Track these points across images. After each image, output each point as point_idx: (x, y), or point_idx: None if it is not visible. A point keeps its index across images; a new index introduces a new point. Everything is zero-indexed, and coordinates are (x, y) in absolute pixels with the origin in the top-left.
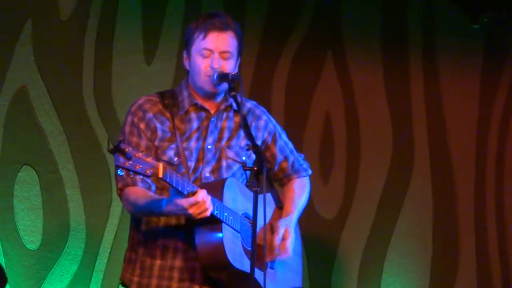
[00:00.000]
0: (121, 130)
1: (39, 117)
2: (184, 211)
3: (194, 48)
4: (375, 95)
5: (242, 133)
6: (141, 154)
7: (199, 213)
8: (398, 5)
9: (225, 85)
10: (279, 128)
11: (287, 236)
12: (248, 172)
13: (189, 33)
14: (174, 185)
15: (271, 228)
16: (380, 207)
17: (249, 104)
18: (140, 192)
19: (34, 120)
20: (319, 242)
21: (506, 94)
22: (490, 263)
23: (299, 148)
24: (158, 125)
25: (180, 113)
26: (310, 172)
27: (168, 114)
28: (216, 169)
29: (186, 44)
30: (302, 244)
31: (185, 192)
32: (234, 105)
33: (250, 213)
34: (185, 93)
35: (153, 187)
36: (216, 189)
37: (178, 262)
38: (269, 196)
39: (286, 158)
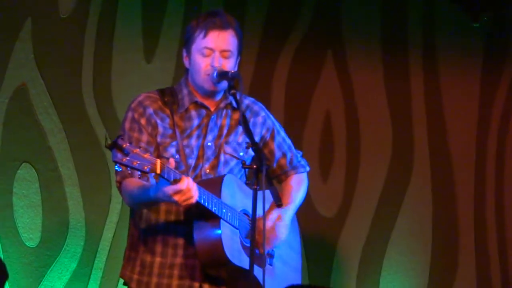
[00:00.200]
0: (121, 126)
1: (38, 115)
2: (169, 198)
3: (195, 47)
4: (375, 94)
5: (240, 129)
6: (138, 150)
7: (184, 200)
8: (398, 4)
9: (224, 83)
10: (277, 124)
11: (279, 221)
12: (247, 170)
13: (189, 31)
14: (171, 180)
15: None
16: (379, 206)
17: (247, 100)
18: (135, 183)
19: (33, 118)
20: (319, 240)
21: (506, 93)
22: (490, 261)
23: (298, 146)
24: (158, 121)
25: (180, 111)
26: (308, 168)
27: (168, 111)
28: (215, 165)
29: (186, 42)
30: (302, 242)
31: (171, 180)
32: (234, 103)
33: (249, 209)
34: (185, 91)
35: (152, 181)
36: (214, 185)
37: (178, 260)
38: (268, 193)
39: (284, 155)
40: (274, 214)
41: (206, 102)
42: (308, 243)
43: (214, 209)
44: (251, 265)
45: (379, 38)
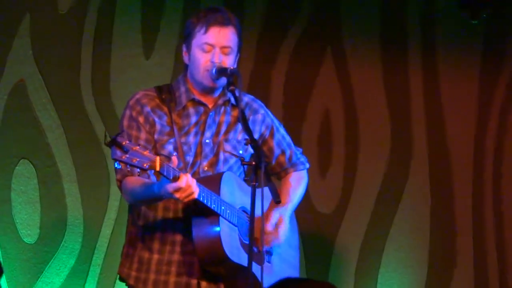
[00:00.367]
0: (119, 124)
1: (37, 111)
2: (171, 195)
3: (195, 42)
4: (374, 91)
5: (239, 127)
6: (138, 147)
7: (186, 197)
8: (397, 2)
9: (223, 80)
10: (276, 121)
11: (280, 223)
12: (245, 167)
13: (189, 27)
14: (170, 177)
15: (266, 217)
16: (378, 202)
17: (247, 98)
18: (136, 181)
19: (32, 114)
20: (317, 237)
21: (505, 91)
22: (487, 258)
23: (297, 142)
24: (156, 119)
25: (178, 108)
26: (307, 165)
27: (165, 109)
28: (214, 163)
29: (186, 37)
30: (300, 238)
31: (170, 177)
32: (232, 99)
33: (248, 207)
34: (183, 88)
35: (153, 179)
36: (213, 183)
37: (176, 257)
38: (266, 190)
39: (283, 152)
40: (275, 216)
41: (204, 99)
42: (306, 240)
43: (213, 206)
44: (250, 263)
45: (379, 36)
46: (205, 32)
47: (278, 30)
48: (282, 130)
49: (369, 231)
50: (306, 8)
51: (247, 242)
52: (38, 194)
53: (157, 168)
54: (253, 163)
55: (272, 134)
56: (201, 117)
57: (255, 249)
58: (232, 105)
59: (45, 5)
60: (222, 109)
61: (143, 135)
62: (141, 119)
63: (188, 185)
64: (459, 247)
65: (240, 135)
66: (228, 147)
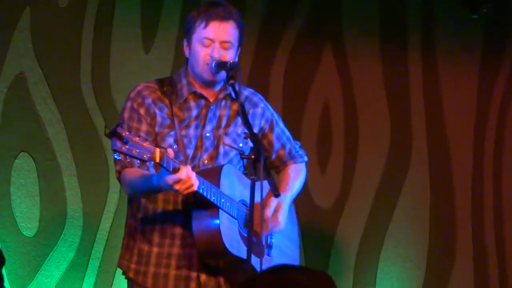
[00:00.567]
0: (119, 116)
1: (36, 105)
2: (170, 187)
3: (195, 37)
4: (374, 85)
5: (239, 120)
6: (137, 138)
7: (185, 189)
8: None
9: (223, 74)
10: (276, 115)
11: (279, 209)
12: (245, 160)
13: (190, 21)
14: (170, 169)
15: (265, 205)
16: (377, 196)
17: (246, 91)
18: (135, 172)
19: (31, 108)
20: (316, 231)
21: (504, 85)
22: (487, 252)
23: (297, 136)
24: (157, 111)
25: (179, 101)
26: (306, 158)
27: (166, 101)
28: (214, 156)
29: (187, 32)
30: (299, 232)
31: (170, 169)
32: (233, 93)
33: (247, 200)
34: (184, 81)
35: (153, 171)
36: (213, 175)
37: (175, 250)
38: (265, 183)
39: (283, 146)
40: (273, 203)
41: (205, 93)
42: (305, 234)
43: (212, 198)
44: (249, 255)
45: (378, 30)
46: (205, 26)
47: (278, 24)
48: (281, 124)
49: (369, 226)
50: (306, 2)
51: (246, 235)
52: (38, 187)
53: (157, 160)
54: (253, 156)
55: (271, 128)
56: (202, 110)
57: (255, 238)
58: (233, 99)
59: None
60: (223, 102)
61: (144, 127)
62: (142, 111)
63: (188, 177)
64: (459, 242)
65: (240, 129)
66: (228, 140)
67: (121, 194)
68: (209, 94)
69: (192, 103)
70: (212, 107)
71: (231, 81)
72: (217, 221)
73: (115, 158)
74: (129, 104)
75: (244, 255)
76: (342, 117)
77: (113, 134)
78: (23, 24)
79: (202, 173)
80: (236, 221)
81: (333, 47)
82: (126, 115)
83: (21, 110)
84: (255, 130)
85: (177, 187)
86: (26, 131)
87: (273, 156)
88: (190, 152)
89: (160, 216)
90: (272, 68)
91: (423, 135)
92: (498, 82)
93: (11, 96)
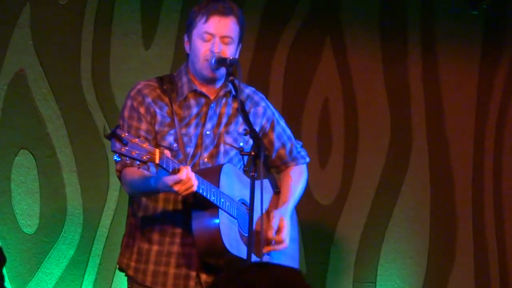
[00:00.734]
0: (120, 114)
1: (36, 101)
2: (170, 188)
3: (196, 32)
4: (374, 82)
5: (240, 119)
6: (137, 140)
7: (185, 190)
8: None
9: (223, 70)
10: (277, 114)
11: (282, 226)
12: (245, 158)
13: (191, 16)
14: (170, 170)
15: (268, 216)
16: (377, 194)
17: (248, 90)
18: (136, 172)
19: (32, 104)
20: (316, 228)
21: (504, 81)
22: (488, 249)
23: (297, 133)
24: (157, 109)
25: (179, 99)
26: (307, 159)
27: (166, 99)
28: (214, 155)
29: (187, 27)
30: (299, 229)
31: (170, 170)
32: (233, 90)
33: (247, 199)
34: (185, 79)
35: (153, 171)
36: (213, 175)
37: (175, 248)
38: (266, 182)
39: (283, 145)
40: (276, 220)
41: (206, 90)
42: (305, 231)
43: (212, 198)
44: (249, 255)
45: (378, 25)
46: (206, 21)
47: (278, 20)
48: (282, 123)
49: (369, 222)
50: (306, 1)
51: (246, 235)
52: (38, 184)
53: (156, 161)
54: (252, 153)
55: (272, 127)
56: (202, 108)
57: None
58: (233, 96)
59: None
60: (224, 100)
61: (144, 126)
62: (142, 110)
63: (188, 177)
64: (459, 238)
65: (241, 128)
66: (229, 139)
67: (121, 191)
68: (209, 91)
69: (192, 101)
70: (212, 105)
71: (231, 78)
72: (217, 221)
73: (115, 159)
74: (129, 102)
75: (243, 254)
76: (342, 115)
77: (113, 136)
78: (23, 21)
79: (201, 172)
80: (236, 220)
81: (333, 44)
82: (126, 113)
83: (21, 107)
84: (256, 129)
85: (176, 188)
86: (26, 128)
87: (274, 156)
88: (190, 150)
89: (160, 215)
90: (272, 65)
91: (423, 133)
92: (498, 79)
93: (11, 93)
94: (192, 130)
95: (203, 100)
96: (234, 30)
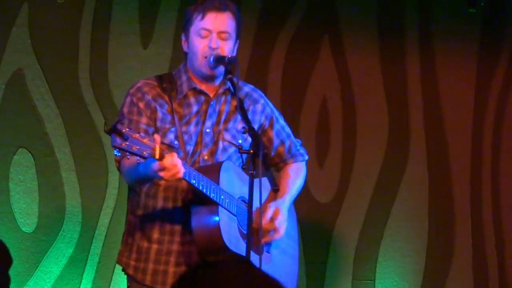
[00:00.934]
0: (119, 112)
1: (35, 101)
2: (156, 174)
3: (193, 29)
4: (372, 79)
5: (239, 116)
6: (138, 135)
7: (171, 176)
8: None
9: (222, 68)
10: (276, 112)
11: (276, 216)
12: (244, 156)
13: (187, 15)
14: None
15: (263, 212)
16: (376, 191)
17: (247, 88)
18: (131, 160)
19: (30, 103)
20: (315, 226)
21: (502, 79)
22: (486, 247)
23: (295, 132)
24: (157, 106)
25: (179, 97)
26: (307, 157)
27: (166, 98)
28: (213, 152)
29: (184, 26)
30: (298, 228)
31: (157, 157)
32: (232, 88)
33: (247, 197)
34: (184, 77)
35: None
36: (212, 172)
37: (175, 247)
38: (265, 180)
39: (282, 143)
40: (271, 209)
41: (205, 88)
42: (304, 229)
43: (212, 195)
44: (248, 252)
45: (376, 23)
46: (202, 18)
47: (276, 18)
48: (281, 121)
49: (367, 221)
50: None
51: (246, 232)
52: (37, 183)
53: (157, 156)
54: (251, 151)
55: (271, 125)
56: (202, 106)
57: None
58: (232, 94)
59: None
60: (223, 98)
61: (144, 119)
62: (141, 105)
63: (172, 164)
64: (457, 236)
65: (240, 125)
66: (227, 136)
67: (120, 190)
68: (209, 89)
69: (192, 99)
70: (212, 103)
71: (229, 76)
72: (217, 218)
73: (115, 154)
74: (128, 99)
75: (243, 252)
76: (340, 112)
77: (113, 131)
78: (21, 20)
79: (201, 170)
80: (235, 218)
81: (331, 43)
82: (125, 109)
83: (19, 106)
84: (255, 127)
85: (162, 174)
86: (25, 127)
87: (273, 153)
88: (190, 148)
89: (160, 213)
90: (270, 64)
91: (421, 131)
92: (496, 78)
93: (9, 92)
94: (192, 128)
95: (202, 98)
96: (231, 26)
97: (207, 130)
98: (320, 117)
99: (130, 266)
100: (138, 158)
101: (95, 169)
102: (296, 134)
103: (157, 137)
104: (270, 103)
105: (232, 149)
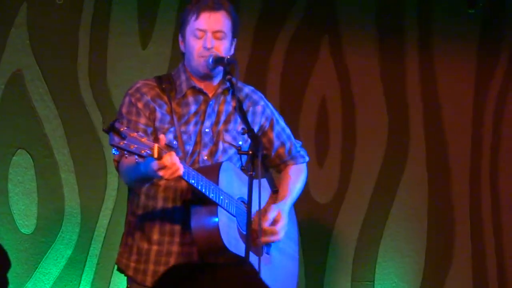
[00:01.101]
0: (118, 113)
1: (34, 101)
2: (155, 173)
3: (188, 30)
4: (371, 80)
5: (239, 117)
6: (136, 134)
7: (170, 175)
8: None
9: (220, 68)
10: (276, 113)
11: (279, 220)
12: (243, 157)
13: (183, 15)
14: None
15: (265, 213)
16: (375, 192)
17: (247, 89)
18: (130, 160)
19: (29, 104)
20: (314, 227)
21: (501, 79)
22: (485, 247)
23: (294, 132)
24: (156, 107)
25: (178, 97)
26: (307, 159)
27: (165, 98)
28: (213, 152)
29: (181, 27)
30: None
31: (156, 156)
32: (231, 89)
33: (246, 197)
34: (183, 77)
35: None
36: (212, 172)
37: (175, 248)
38: (264, 181)
39: (283, 144)
40: (273, 212)
41: (204, 87)
42: (303, 230)
43: (211, 195)
44: (247, 253)
45: (375, 24)
46: (197, 18)
47: (275, 18)
48: (282, 122)
49: (367, 221)
50: None
51: (245, 233)
52: (35, 184)
53: (155, 156)
54: (250, 152)
55: (272, 126)
56: (201, 106)
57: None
58: (232, 94)
59: None
60: (222, 98)
61: (142, 120)
62: (140, 105)
63: (172, 163)
64: (457, 237)
65: (240, 126)
66: (228, 137)
67: (119, 191)
68: (208, 88)
69: (190, 98)
70: (211, 102)
71: (228, 77)
72: (216, 219)
73: (113, 153)
74: (127, 99)
75: (242, 252)
76: (339, 113)
77: (111, 129)
78: (20, 21)
79: (201, 170)
80: (235, 218)
81: (331, 43)
82: (124, 110)
83: (18, 107)
84: (255, 128)
85: (161, 173)
86: (24, 128)
87: (273, 155)
88: (189, 148)
89: (160, 214)
90: (269, 64)
91: (421, 131)
92: (495, 76)
93: (8, 93)
94: (191, 128)
95: (201, 97)
96: (226, 25)
97: (206, 130)
98: (320, 117)
99: (130, 267)
100: (136, 157)
101: (94, 170)
102: (295, 134)
103: (162, 137)
104: (270, 105)
105: (232, 151)
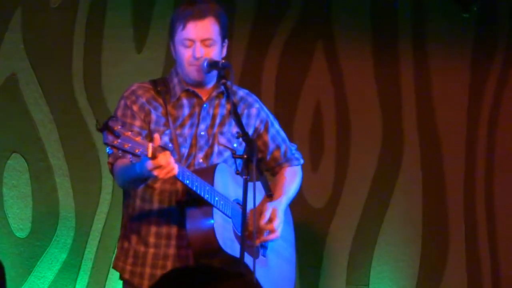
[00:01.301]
0: (113, 115)
1: (28, 105)
2: (150, 173)
3: (177, 39)
4: (365, 84)
5: (234, 121)
6: (130, 133)
7: (165, 174)
8: None
9: (214, 72)
10: (271, 116)
11: (275, 217)
12: (238, 161)
13: (171, 24)
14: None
15: (260, 213)
16: (370, 196)
17: (242, 92)
18: (124, 162)
19: (23, 108)
20: (309, 231)
21: (496, 83)
22: (480, 251)
23: (289, 135)
24: (152, 109)
25: (172, 100)
26: (302, 161)
27: (160, 100)
28: (208, 155)
29: (170, 35)
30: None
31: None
32: (226, 93)
33: (241, 199)
34: (176, 80)
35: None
36: (207, 174)
37: (171, 250)
38: (258, 184)
39: (278, 147)
40: (268, 210)
41: (198, 91)
42: (298, 234)
43: (206, 196)
44: (242, 254)
45: (369, 28)
46: (183, 28)
47: (270, 22)
48: (277, 125)
49: (361, 225)
50: (297, 2)
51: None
52: (30, 188)
53: (149, 155)
54: (245, 156)
55: (266, 129)
56: (195, 108)
57: (250, 243)
58: (226, 97)
59: None
60: (216, 101)
61: (137, 123)
62: (135, 108)
63: (167, 162)
64: (451, 241)
65: (235, 129)
66: (223, 140)
67: (114, 195)
68: (201, 92)
69: (184, 101)
70: (205, 106)
71: (223, 81)
72: (211, 220)
73: (107, 152)
74: (122, 102)
75: (237, 254)
76: (334, 117)
77: (105, 128)
78: (14, 25)
79: (196, 172)
80: (230, 220)
81: (325, 47)
82: (119, 113)
83: (13, 111)
84: (250, 131)
85: (156, 173)
86: (18, 132)
87: (268, 157)
88: (184, 151)
89: (156, 217)
90: (263, 68)
91: (415, 135)
92: (489, 80)
93: (2, 97)
94: (186, 130)
95: (195, 100)
96: (214, 31)
97: (202, 133)
98: (314, 121)
99: (127, 271)
100: (130, 156)
101: (88, 174)
102: (290, 138)
103: (156, 136)
104: (265, 108)
105: (227, 153)
